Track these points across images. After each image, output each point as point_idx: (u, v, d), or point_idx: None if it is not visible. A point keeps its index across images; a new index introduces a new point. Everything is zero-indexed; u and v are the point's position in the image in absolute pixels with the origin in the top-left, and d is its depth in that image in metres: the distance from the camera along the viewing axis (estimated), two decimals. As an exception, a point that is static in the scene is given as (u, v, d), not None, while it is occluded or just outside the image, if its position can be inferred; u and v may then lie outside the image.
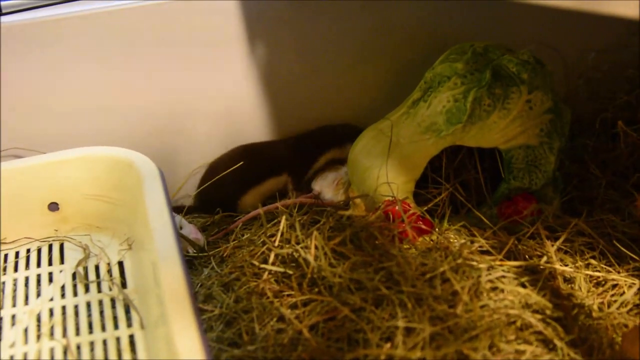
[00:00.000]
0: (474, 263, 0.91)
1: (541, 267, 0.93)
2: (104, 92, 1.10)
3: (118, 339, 0.87)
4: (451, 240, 1.00)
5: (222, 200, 1.17)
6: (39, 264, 0.99)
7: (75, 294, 0.94)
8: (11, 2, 1.06)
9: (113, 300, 0.92)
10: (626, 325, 0.88)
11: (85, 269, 0.97)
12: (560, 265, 0.95)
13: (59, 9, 1.05)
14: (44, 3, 1.05)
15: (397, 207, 1.00)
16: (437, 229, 1.02)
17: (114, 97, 1.10)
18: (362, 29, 1.17)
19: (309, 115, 1.23)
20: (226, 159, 1.20)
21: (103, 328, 0.89)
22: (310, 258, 0.92)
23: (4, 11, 1.03)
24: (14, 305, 0.92)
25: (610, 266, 0.97)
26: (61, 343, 0.86)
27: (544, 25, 1.22)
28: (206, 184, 1.18)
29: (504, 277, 0.90)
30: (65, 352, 0.85)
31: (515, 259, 0.95)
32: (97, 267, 0.98)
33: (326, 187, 1.16)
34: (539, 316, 0.86)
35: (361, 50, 1.20)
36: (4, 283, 0.95)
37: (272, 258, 0.96)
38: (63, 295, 0.93)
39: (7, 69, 1.03)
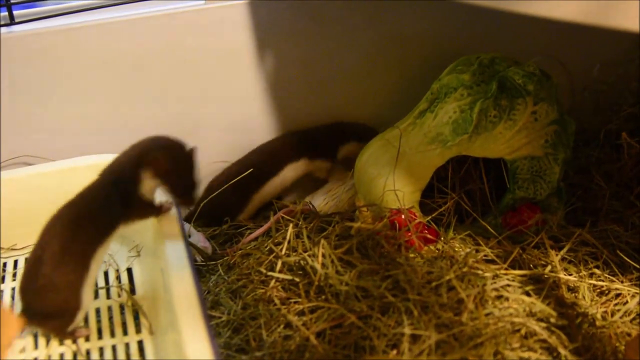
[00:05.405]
0: (479, 272, 0.92)
1: (545, 276, 0.94)
2: (114, 100, 1.11)
3: (127, 345, 0.88)
4: (456, 249, 1.00)
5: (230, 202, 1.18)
6: (48, 270, 0.99)
7: (84, 299, 0.94)
8: (24, 12, 1.07)
9: (122, 307, 0.93)
10: (629, 334, 0.89)
11: (95, 275, 0.98)
12: (564, 275, 0.96)
13: (71, 18, 1.07)
14: (56, 13, 1.06)
15: (403, 216, 1.01)
16: (442, 238, 1.03)
17: (124, 106, 1.12)
18: (370, 41, 1.19)
19: (316, 125, 1.24)
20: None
21: (112, 334, 0.90)
22: (318, 266, 0.93)
23: (16, 20, 1.04)
24: (24, 310, 0.93)
25: (613, 276, 0.98)
26: (71, 348, 0.87)
27: (549, 38, 1.23)
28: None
29: (508, 285, 0.91)
30: (74, 357, 0.86)
31: (520, 268, 0.96)
32: (105, 274, 0.99)
33: (318, 204, 1.17)
34: (543, 324, 0.87)
35: (368, 62, 1.21)
36: (14, 289, 0.96)
37: (279, 266, 0.97)
38: (73, 301, 0.94)
39: (19, 77, 1.05)
